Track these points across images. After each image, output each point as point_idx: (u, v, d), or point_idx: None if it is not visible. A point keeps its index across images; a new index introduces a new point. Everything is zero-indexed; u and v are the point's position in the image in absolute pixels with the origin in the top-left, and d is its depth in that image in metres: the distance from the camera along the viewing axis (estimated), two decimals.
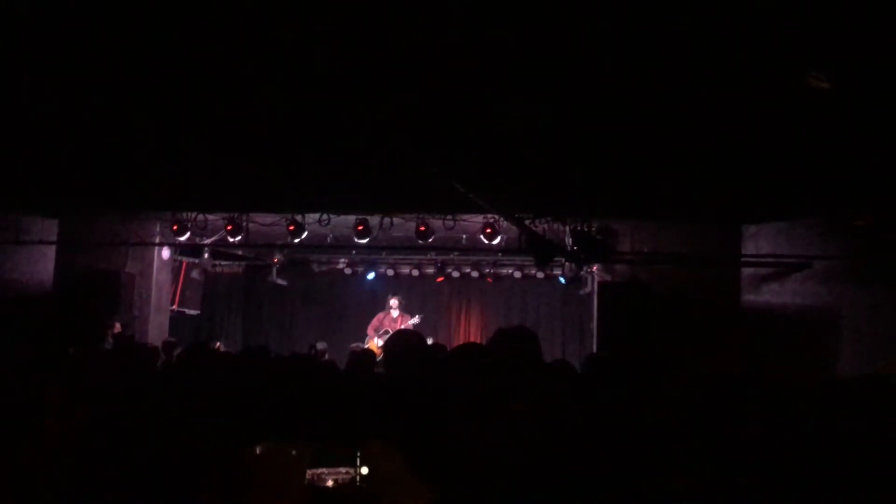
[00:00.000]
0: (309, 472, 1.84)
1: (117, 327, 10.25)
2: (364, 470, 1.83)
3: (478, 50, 4.38)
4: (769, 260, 9.31)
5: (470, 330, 15.30)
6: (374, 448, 1.85)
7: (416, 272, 14.42)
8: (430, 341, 4.94)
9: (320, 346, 11.39)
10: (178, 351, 8.25)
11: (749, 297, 9.70)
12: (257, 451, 2.12)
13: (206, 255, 12.92)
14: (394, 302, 12.66)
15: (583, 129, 5.94)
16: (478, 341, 12.78)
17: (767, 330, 9.09)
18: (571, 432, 2.17)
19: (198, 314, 13.77)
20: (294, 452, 1.83)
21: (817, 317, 8.54)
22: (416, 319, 12.78)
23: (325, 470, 1.84)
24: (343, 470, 1.83)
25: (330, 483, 1.83)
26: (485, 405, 2.21)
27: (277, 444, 1.91)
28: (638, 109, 5.47)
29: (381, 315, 12.84)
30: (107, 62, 4.82)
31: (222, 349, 10.76)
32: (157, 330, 11.45)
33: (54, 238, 11.13)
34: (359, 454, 1.85)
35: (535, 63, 4.63)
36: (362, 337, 12.82)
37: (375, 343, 12.06)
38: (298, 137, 6.30)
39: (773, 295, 9.32)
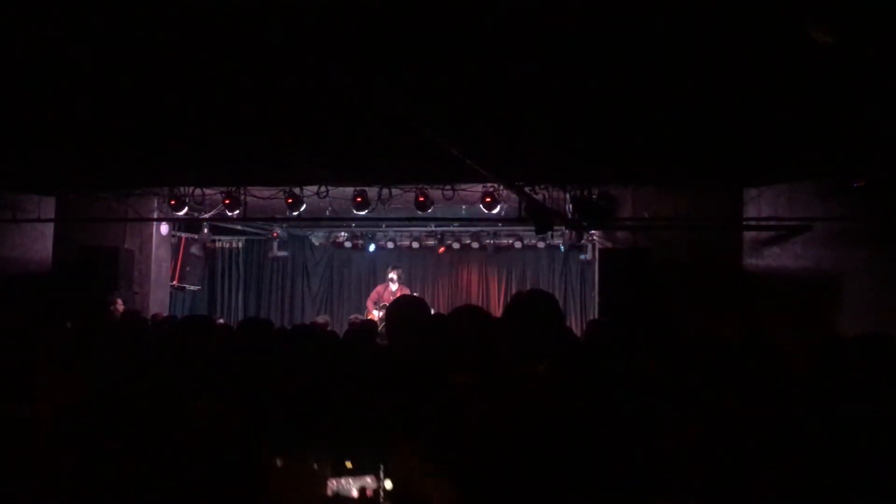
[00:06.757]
0: (332, 482, 1.82)
1: (120, 304, 10.23)
2: (388, 484, 1.81)
3: (476, 11, 4.31)
4: (770, 223, 9.27)
5: (471, 302, 15.29)
6: (397, 457, 1.81)
7: (416, 244, 14.35)
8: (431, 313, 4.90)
9: (322, 318, 11.38)
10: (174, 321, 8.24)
11: (750, 261, 9.68)
12: (278, 464, 2.05)
13: (205, 231, 12.87)
14: (393, 275, 12.56)
15: (583, 94, 5.87)
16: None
17: (769, 293, 9.08)
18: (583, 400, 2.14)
19: (198, 290, 13.77)
20: (315, 466, 1.80)
21: (819, 279, 8.53)
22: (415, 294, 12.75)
23: (348, 480, 1.82)
24: (367, 479, 1.81)
25: (355, 494, 1.81)
26: (496, 369, 2.18)
27: (297, 456, 1.84)
28: (638, 73, 5.40)
29: (380, 288, 12.76)
30: (102, 38, 4.75)
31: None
32: (158, 306, 11.45)
33: (52, 216, 11.10)
34: (382, 467, 1.82)
35: (533, 25, 4.56)
36: (362, 310, 12.81)
37: (375, 315, 12.03)
38: (293, 109, 6.23)
39: (775, 258, 9.30)
